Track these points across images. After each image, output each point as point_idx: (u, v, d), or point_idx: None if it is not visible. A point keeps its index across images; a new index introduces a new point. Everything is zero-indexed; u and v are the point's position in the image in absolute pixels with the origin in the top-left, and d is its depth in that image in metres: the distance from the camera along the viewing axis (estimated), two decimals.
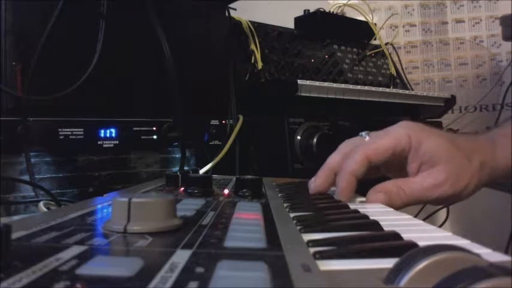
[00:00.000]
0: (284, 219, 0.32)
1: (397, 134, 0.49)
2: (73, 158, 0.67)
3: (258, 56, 0.89)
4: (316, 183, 0.51)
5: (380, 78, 1.14)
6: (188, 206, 0.36)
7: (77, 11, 0.65)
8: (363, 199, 0.50)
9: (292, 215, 0.36)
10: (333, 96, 0.84)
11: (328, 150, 0.55)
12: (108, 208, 0.35)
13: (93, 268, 0.19)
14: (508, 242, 1.17)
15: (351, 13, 1.21)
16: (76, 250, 0.21)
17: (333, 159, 0.52)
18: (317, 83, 0.82)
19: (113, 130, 0.69)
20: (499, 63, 1.52)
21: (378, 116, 0.96)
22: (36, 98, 0.61)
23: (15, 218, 0.57)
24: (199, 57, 0.80)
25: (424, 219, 0.69)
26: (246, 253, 0.22)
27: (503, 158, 0.50)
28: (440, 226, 1.02)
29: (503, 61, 1.51)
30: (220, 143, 0.81)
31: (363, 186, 0.50)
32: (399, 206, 0.47)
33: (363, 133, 0.54)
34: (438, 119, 1.12)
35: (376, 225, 0.33)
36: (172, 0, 0.77)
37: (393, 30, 1.54)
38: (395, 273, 0.19)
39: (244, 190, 0.45)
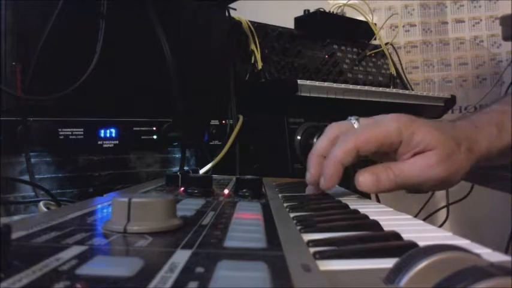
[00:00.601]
0: (284, 219, 0.32)
1: (389, 127, 0.49)
2: (73, 158, 0.67)
3: (258, 56, 0.89)
4: (310, 173, 0.51)
5: (380, 78, 1.14)
6: (188, 206, 0.36)
7: (77, 11, 0.65)
8: (363, 199, 0.50)
9: (292, 215, 0.36)
10: (333, 96, 0.84)
11: None
12: (108, 208, 0.35)
13: (93, 268, 0.19)
14: (508, 242, 1.17)
15: (351, 13, 1.21)
16: (76, 250, 0.21)
17: (321, 144, 0.52)
18: (317, 83, 0.82)
19: (113, 130, 0.69)
20: (499, 63, 1.52)
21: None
22: (36, 98, 0.61)
23: (15, 218, 0.57)
24: (200, 57, 0.80)
25: (424, 219, 0.69)
26: (246, 253, 0.22)
27: (485, 145, 0.52)
28: (440, 226, 1.02)
29: (503, 61, 1.51)
30: (220, 143, 0.81)
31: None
32: (388, 187, 0.47)
33: (352, 118, 0.53)
34: (438, 119, 1.12)
35: (376, 225, 0.33)
36: (172, 0, 0.77)
37: (393, 30, 1.54)
38: (395, 273, 0.19)
39: (244, 190, 0.45)
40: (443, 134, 0.49)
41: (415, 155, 0.49)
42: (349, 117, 0.54)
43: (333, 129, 0.53)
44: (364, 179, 0.47)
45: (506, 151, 0.53)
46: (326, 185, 0.48)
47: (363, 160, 0.51)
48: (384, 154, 0.51)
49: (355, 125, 0.52)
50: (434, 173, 0.47)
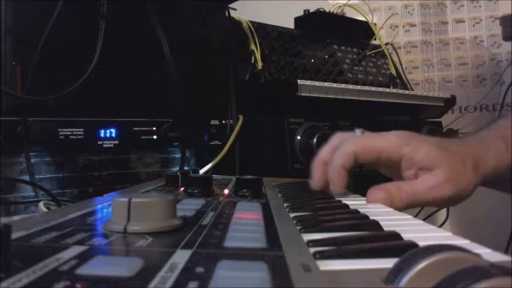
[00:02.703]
0: (284, 219, 0.32)
1: (388, 140, 0.51)
2: (73, 158, 0.67)
3: (258, 56, 0.89)
4: (314, 179, 0.53)
5: (380, 78, 1.14)
6: (188, 206, 0.36)
7: (77, 11, 0.65)
8: (363, 199, 0.50)
9: (292, 215, 0.36)
10: (333, 96, 0.84)
11: None
12: (108, 208, 0.35)
13: (93, 268, 0.19)
14: (508, 242, 1.17)
15: (351, 13, 1.21)
16: (76, 250, 0.21)
17: (324, 152, 0.54)
18: (317, 83, 0.82)
19: (113, 130, 0.69)
20: (499, 63, 1.52)
21: (378, 116, 0.96)
22: (36, 98, 0.61)
23: (15, 218, 0.57)
24: (199, 57, 0.80)
25: (424, 219, 0.69)
26: (246, 253, 0.22)
27: (493, 161, 0.52)
28: (440, 226, 1.02)
29: (503, 61, 1.51)
30: (220, 143, 0.81)
31: (365, 185, 0.50)
32: (400, 206, 0.48)
33: (357, 130, 0.55)
34: (438, 119, 1.12)
35: (376, 225, 0.33)
36: (172, 0, 0.77)
37: (393, 30, 1.54)
38: (395, 273, 0.19)
39: (244, 190, 0.45)
40: (447, 152, 0.50)
41: (419, 171, 0.50)
42: (355, 129, 0.55)
43: (336, 138, 0.55)
44: (377, 197, 0.48)
45: None
46: (334, 190, 0.50)
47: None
48: (388, 168, 0.53)
49: (359, 135, 0.54)
50: (444, 191, 0.48)
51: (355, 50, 1.13)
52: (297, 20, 1.10)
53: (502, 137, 0.54)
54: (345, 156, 0.50)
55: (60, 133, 0.64)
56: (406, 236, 0.29)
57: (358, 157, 0.50)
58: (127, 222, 0.26)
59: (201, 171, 0.76)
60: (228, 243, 0.24)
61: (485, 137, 0.54)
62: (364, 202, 0.49)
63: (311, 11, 1.09)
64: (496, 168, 0.52)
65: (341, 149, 0.51)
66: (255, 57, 0.89)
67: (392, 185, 0.49)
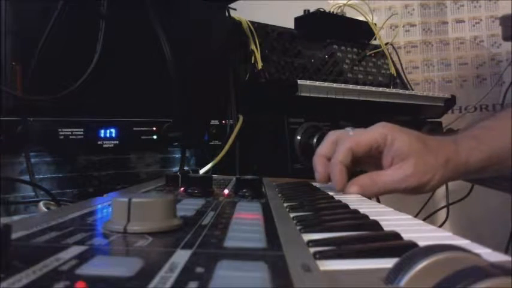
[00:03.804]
0: (284, 219, 0.32)
1: (376, 132, 0.56)
2: (73, 158, 0.67)
3: (258, 56, 0.89)
4: (318, 172, 0.58)
5: (380, 78, 1.14)
6: (188, 206, 0.36)
7: (77, 11, 0.65)
8: (363, 199, 0.50)
9: (292, 215, 0.36)
10: (333, 96, 0.84)
11: None
12: (108, 208, 0.35)
13: (93, 268, 0.19)
14: (508, 242, 1.17)
15: (351, 13, 1.21)
16: (76, 250, 0.21)
17: (323, 147, 0.60)
18: (317, 83, 0.82)
19: (112, 130, 0.69)
20: (499, 63, 1.52)
21: (378, 116, 0.96)
22: (36, 98, 0.61)
23: (15, 218, 0.57)
24: (200, 57, 0.80)
25: (424, 219, 0.69)
26: (246, 253, 0.22)
27: (464, 156, 0.57)
28: (440, 226, 1.02)
29: (503, 61, 1.51)
30: (220, 143, 0.81)
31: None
32: (372, 195, 0.56)
33: (348, 128, 0.61)
34: (438, 119, 1.12)
35: (376, 225, 0.33)
36: (172, 0, 0.77)
37: (393, 30, 1.54)
38: (395, 273, 0.19)
39: (244, 190, 0.45)
40: (422, 145, 0.55)
41: (395, 158, 0.55)
42: (346, 128, 0.62)
43: (331, 135, 0.61)
44: (353, 191, 0.54)
45: (490, 164, 0.58)
46: (338, 187, 0.55)
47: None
48: (373, 160, 0.58)
49: (350, 133, 0.59)
50: (409, 182, 0.54)
51: (355, 50, 1.13)
52: (297, 20, 1.10)
53: (474, 136, 0.60)
54: (344, 153, 0.55)
55: (60, 133, 0.64)
56: (406, 236, 0.29)
57: (354, 152, 0.55)
58: (127, 222, 0.26)
59: (201, 171, 0.75)
60: (228, 243, 0.24)
61: (460, 136, 0.60)
62: (364, 202, 0.49)
63: (311, 11, 1.09)
64: (467, 164, 0.57)
65: (339, 148, 0.56)
66: (255, 57, 0.89)
67: (366, 178, 0.55)
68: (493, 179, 0.92)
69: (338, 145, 0.57)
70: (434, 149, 0.56)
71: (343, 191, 0.55)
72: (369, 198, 0.52)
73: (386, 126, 0.57)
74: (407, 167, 0.54)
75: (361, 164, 0.61)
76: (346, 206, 0.42)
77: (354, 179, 0.55)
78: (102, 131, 0.68)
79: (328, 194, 0.52)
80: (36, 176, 0.63)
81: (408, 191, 0.56)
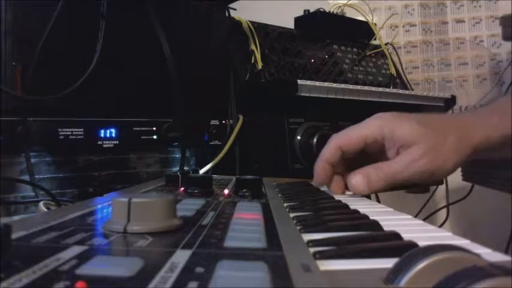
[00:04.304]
0: (284, 219, 0.32)
1: (369, 125, 0.53)
2: (73, 158, 0.67)
3: (258, 56, 0.89)
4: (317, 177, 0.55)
5: (380, 78, 1.14)
6: (188, 206, 0.36)
7: (77, 11, 0.65)
8: (363, 199, 0.50)
9: (292, 215, 0.36)
10: (333, 96, 0.84)
11: None
12: (108, 208, 0.35)
13: (93, 268, 0.19)
14: (508, 242, 1.17)
15: (351, 13, 1.21)
16: (76, 250, 0.21)
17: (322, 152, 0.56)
18: (317, 83, 0.82)
19: (113, 130, 0.69)
20: (499, 63, 1.52)
21: None
22: (36, 98, 0.61)
23: (15, 218, 0.57)
24: (200, 57, 0.80)
25: (424, 219, 0.69)
26: (246, 253, 0.22)
27: (483, 131, 0.52)
28: (440, 226, 1.02)
29: (504, 61, 1.51)
30: (220, 143, 0.81)
31: None
32: (379, 185, 0.50)
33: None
34: None
35: (376, 225, 0.33)
36: (172, 0, 0.77)
37: (393, 30, 1.54)
38: (395, 273, 0.19)
39: (244, 190, 0.45)
40: (426, 127, 0.50)
41: (400, 149, 0.51)
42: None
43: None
44: (356, 181, 0.50)
45: (508, 140, 0.52)
46: (314, 181, 0.54)
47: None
48: (378, 153, 0.54)
49: None
50: (419, 166, 0.49)
51: (355, 50, 1.13)
52: (297, 20, 1.10)
53: (495, 110, 0.54)
54: (330, 152, 0.53)
55: (60, 133, 0.64)
56: (406, 236, 0.29)
57: (345, 149, 0.52)
58: (127, 222, 0.26)
59: (201, 171, 0.76)
60: (228, 243, 0.24)
61: (478, 111, 0.56)
62: (364, 202, 0.49)
63: (311, 11, 1.09)
64: (488, 139, 0.51)
65: (326, 145, 0.54)
66: (255, 57, 0.89)
67: (371, 167, 0.51)
68: (493, 179, 0.92)
69: (327, 143, 0.54)
70: (442, 128, 0.51)
71: (319, 185, 0.54)
72: (371, 194, 0.50)
73: (382, 117, 0.53)
74: (414, 151, 0.49)
75: (365, 161, 0.56)
76: (346, 206, 0.42)
77: (357, 169, 0.51)
78: (102, 131, 0.68)
79: (328, 194, 0.52)
80: (36, 176, 0.63)
81: (421, 177, 0.50)
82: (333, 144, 0.53)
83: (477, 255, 0.20)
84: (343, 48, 1.10)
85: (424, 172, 0.49)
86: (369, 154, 0.55)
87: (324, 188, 0.57)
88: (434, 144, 0.49)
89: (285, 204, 0.41)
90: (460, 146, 0.50)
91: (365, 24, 1.17)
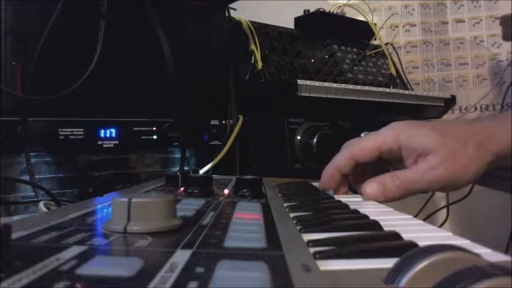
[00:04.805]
0: (284, 219, 0.32)
1: (384, 135, 0.51)
2: (73, 158, 0.67)
3: (258, 56, 0.89)
4: (323, 183, 0.55)
5: (380, 78, 1.14)
6: (188, 206, 0.36)
7: (77, 11, 0.65)
8: (357, 196, 0.50)
9: (292, 215, 0.36)
10: (333, 96, 0.84)
11: (328, 150, 0.56)
12: (108, 208, 0.35)
13: (93, 268, 0.19)
14: (508, 242, 1.17)
15: (351, 13, 1.21)
16: (76, 250, 0.21)
17: (339, 160, 0.54)
18: (317, 83, 0.82)
19: (112, 130, 0.69)
20: (499, 63, 1.52)
21: (378, 116, 0.96)
22: (36, 98, 0.61)
23: (15, 218, 0.57)
24: (199, 57, 0.80)
25: (424, 219, 0.69)
26: (246, 253, 0.22)
27: (505, 136, 0.49)
28: (440, 226, 1.02)
29: (504, 61, 1.51)
30: (220, 143, 0.81)
31: None
32: (395, 194, 0.49)
33: (363, 134, 0.58)
34: (438, 119, 1.12)
35: (376, 225, 0.33)
36: (172, 0, 0.77)
37: (393, 30, 1.54)
38: (395, 273, 0.19)
39: (244, 190, 0.45)
40: (443, 135, 0.49)
41: (418, 158, 0.49)
42: (362, 134, 0.59)
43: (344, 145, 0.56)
44: (372, 189, 0.49)
45: None
46: (320, 186, 0.54)
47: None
48: (394, 162, 0.53)
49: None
50: (436, 175, 0.47)
51: (355, 50, 1.13)
52: (297, 20, 1.10)
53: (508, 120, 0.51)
54: (343, 161, 0.52)
55: (60, 133, 0.64)
56: (406, 236, 0.29)
57: (359, 159, 0.51)
58: (127, 222, 0.26)
59: (201, 171, 0.75)
60: (228, 243, 0.24)
61: (501, 116, 0.52)
62: (364, 202, 0.49)
63: (311, 11, 1.09)
64: (508, 145, 0.49)
65: (341, 153, 0.53)
66: (255, 57, 0.89)
67: (387, 176, 0.50)
68: (493, 179, 0.92)
69: (340, 151, 0.54)
70: (461, 135, 0.49)
71: (323, 189, 0.53)
72: (388, 201, 0.47)
73: (397, 127, 0.52)
74: (432, 159, 0.47)
75: (380, 170, 0.55)
76: (346, 206, 0.42)
77: (373, 178, 0.50)
78: (102, 131, 0.68)
79: (328, 194, 0.52)
80: (36, 176, 0.63)
81: (438, 186, 0.49)
82: (347, 154, 0.52)
83: (477, 255, 0.20)
84: (343, 48, 1.10)
85: (441, 180, 0.48)
86: (385, 163, 0.54)
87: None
88: (453, 151, 0.48)
89: (285, 204, 0.41)
90: (480, 153, 0.48)
91: (365, 24, 1.17)
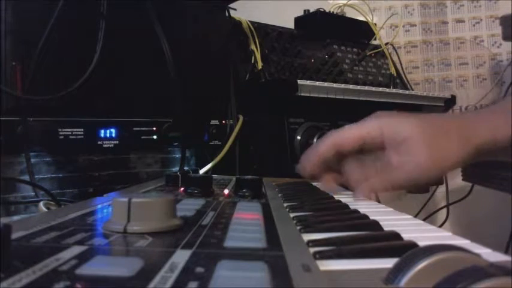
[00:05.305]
0: (284, 219, 0.32)
1: (368, 125, 0.52)
2: (73, 158, 0.67)
3: (258, 56, 0.89)
4: (302, 169, 0.55)
5: (380, 78, 1.14)
6: (188, 206, 0.36)
7: (77, 11, 0.65)
8: (363, 198, 0.50)
9: (292, 215, 0.36)
10: (333, 96, 0.84)
11: None
12: (108, 208, 0.35)
13: (93, 268, 0.19)
14: (508, 242, 1.17)
15: (351, 13, 1.21)
16: (76, 250, 0.21)
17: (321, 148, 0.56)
18: (317, 83, 0.82)
19: (113, 130, 0.69)
20: (500, 63, 1.52)
21: None
22: (36, 98, 0.61)
23: (15, 218, 0.57)
24: (200, 57, 0.80)
25: (424, 219, 0.69)
26: (246, 253, 0.22)
27: (486, 130, 0.50)
28: (440, 226, 1.02)
29: (504, 61, 1.51)
30: (220, 143, 0.81)
31: None
32: (385, 193, 0.53)
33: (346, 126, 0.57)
34: None
35: (376, 225, 0.33)
36: (173, 1, 0.77)
37: (393, 30, 1.54)
38: (395, 273, 0.19)
39: (244, 190, 0.45)
40: (426, 125, 0.50)
41: (400, 147, 0.50)
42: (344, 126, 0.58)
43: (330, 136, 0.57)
44: (364, 195, 0.50)
45: None
46: (299, 169, 0.54)
47: None
48: (375, 151, 0.53)
49: None
50: (420, 166, 0.49)
51: (355, 50, 1.13)
52: (297, 20, 1.10)
53: (500, 111, 0.53)
54: (324, 147, 0.53)
55: (60, 133, 0.64)
56: (406, 236, 0.29)
57: (341, 147, 0.52)
58: (127, 222, 0.26)
59: (201, 171, 0.75)
60: (228, 243, 0.24)
61: (481, 112, 0.55)
62: (364, 202, 0.49)
63: (311, 11, 1.09)
64: (493, 140, 0.50)
65: (323, 140, 0.53)
66: (255, 57, 0.89)
67: (376, 180, 0.51)
68: (493, 179, 0.92)
69: (323, 139, 0.54)
70: (444, 126, 0.51)
71: (304, 175, 0.54)
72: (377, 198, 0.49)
73: (381, 116, 0.53)
74: (418, 153, 0.49)
75: (363, 158, 0.55)
76: (346, 206, 0.42)
77: (363, 185, 0.51)
78: (102, 131, 0.68)
79: (328, 194, 0.52)
80: (36, 176, 0.63)
81: (421, 174, 0.50)
82: (329, 142, 0.53)
83: (477, 255, 0.20)
84: (343, 48, 1.10)
85: (424, 169, 0.49)
86: (368, 151, 0.54)
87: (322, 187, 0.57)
88: (435, 141, 0.49)
89: (285, 204, 0.41)
90: (462, 144, 0.49)
91: (365, 24, 1.17)
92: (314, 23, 1.07)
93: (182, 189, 0.47)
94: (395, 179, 0.50)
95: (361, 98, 0.89)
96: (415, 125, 0.50)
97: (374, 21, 1.20)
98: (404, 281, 0.19)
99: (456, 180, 1.11)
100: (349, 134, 0.52)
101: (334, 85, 0.86)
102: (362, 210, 0.39)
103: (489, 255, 0.25)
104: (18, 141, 0.60)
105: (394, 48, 1.31)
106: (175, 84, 0.70)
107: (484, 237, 0.36)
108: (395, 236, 0.29)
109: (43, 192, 0.60)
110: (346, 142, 0.52)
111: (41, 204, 0.57)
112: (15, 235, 0.24)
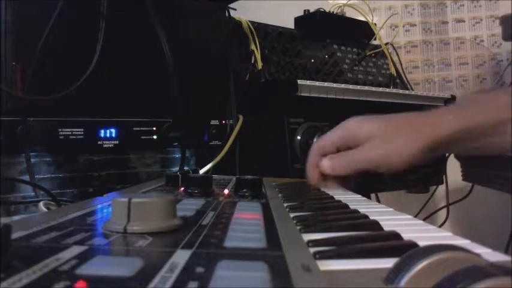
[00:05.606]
0: (284, 219, 0.32)
1: (347, 126, 0.60)
2: (73, 158, 0.67)
3: (258, 56, 0.89)
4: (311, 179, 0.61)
5: (380, 78, 1.14)
6: (188, 206, 0.36)
7: (77, 11, 0.65)
8: (363, 198, 0.50)
9: (292, 215, 0.36)
10: (333, 96, 0.84)
11: None
12: (108, 208, 0.35)
13: (93, 268, 0.19)
14: (508, 242, 1.17)
15: (351, 13, 1.21)
16: (76, 250, 0.21)
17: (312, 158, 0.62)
18: (317, 83, 0.82)
19: (113, 130, 0.69)
20: (500, 63, 1.52)
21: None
22: (36, 98, 0.61)
23: (15, 218, 0.57)
24: (200, 57, 0.80)
25: (424, 219, 0.69)
26: (246, 253, 0.22)
27: (443, 128, 0.56)
28: (440, 226, 1.02)
29: (504, 61, 1.51)
30: (220, 143, 0.81)
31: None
32: (341, 168, 0.58)
33: (315, 138, 0.66)
34: None
35: (376, 225, 0.33)
36: (173, 0, 0.77)
37: (393, 30, 1.54)
38: (395, 273, 0.19)
39: (244, 190, 0.45)
40: (382, 124, 0.57)
41: (361, 143, 0.57)
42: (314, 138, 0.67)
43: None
44: (323, 164, 0.58)
45: (462, 138, 0.56)
46: (308, 182, 0.60)
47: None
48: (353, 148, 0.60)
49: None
50: (375, 154, 0.56)
51: (355, 50, 1.13)
52: (297, 20, 1.10)
53: (451, 109, 0.62)
54: (313, 154, 0.60)
55: (60, 133, 0.64)
56: (406, 236, 0.29)
57: (324, 150, 0.59)
58: (127, 222, 0.26)
59: (201, 171, 0.75)
60: (228, 243, 0.24)
61: (436, 110, 0.62)
62: (364, 202, 0.49)
63: (311, 11, 1.09)
64: (448, 136, 0.55)
65: (309, 154, 0.61)
66: (255, 57, 0.89)
67: (337, 154, 0.58)
68: (493, 179, 0.92)
69: (311, 148, 0.62)
70: (397, 124, 0.58)
71: (320, 185, 0.59)
72: (337, 174, 0.56)
73: (353, 119, 0.60)
74: (371, 141, 0.56)
75: None
76: (346, 206, 0.42)
77: (328, 156, 0.59)
78: (102, 131, 0.68)
79: (328, 194, 0.52)
80: (36, 176, 0.63)
81: (378, 163, 0.56)
82: (314, 151, 0.60)
83: (477, 255, 0.20)
84: (343, 48, 1.10)
85: (379, 159, 0.56)
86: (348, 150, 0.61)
87: (323, 188, 0.57)
88: (387, 136, 0.56)
89: (285, 204, 0.41)
90: (410, 139, 0.56)
91: (365, 24, 1.17)
92: (314, 23, 1.07)
93: (182, 189, 0.47)
94: (352, 156, 0.57)
95: (361, 98, 0.89)
96: (375, 125, 0.57)
97: (374, 21, 1.20)
98: (404, 281, 0.19)
99: (456, 180, 1.11)
100: (326, 141, 0.60)
101: (334, 85, 0.86)
102: (362, 210, 0.39)
103: (489, 255, 0.25)
104: (18, 141, 0.60)
105: (394, 48, 1.31)
106: (175, 84, 0.70)
107: (484, 237, 0.36)
108: (395, 236, 0.29)
109: (43, 192, 0.60)
110: (326, 147, 0.60)
111: (41, 204, 0.57)
112: (15, 235, 0.24)
